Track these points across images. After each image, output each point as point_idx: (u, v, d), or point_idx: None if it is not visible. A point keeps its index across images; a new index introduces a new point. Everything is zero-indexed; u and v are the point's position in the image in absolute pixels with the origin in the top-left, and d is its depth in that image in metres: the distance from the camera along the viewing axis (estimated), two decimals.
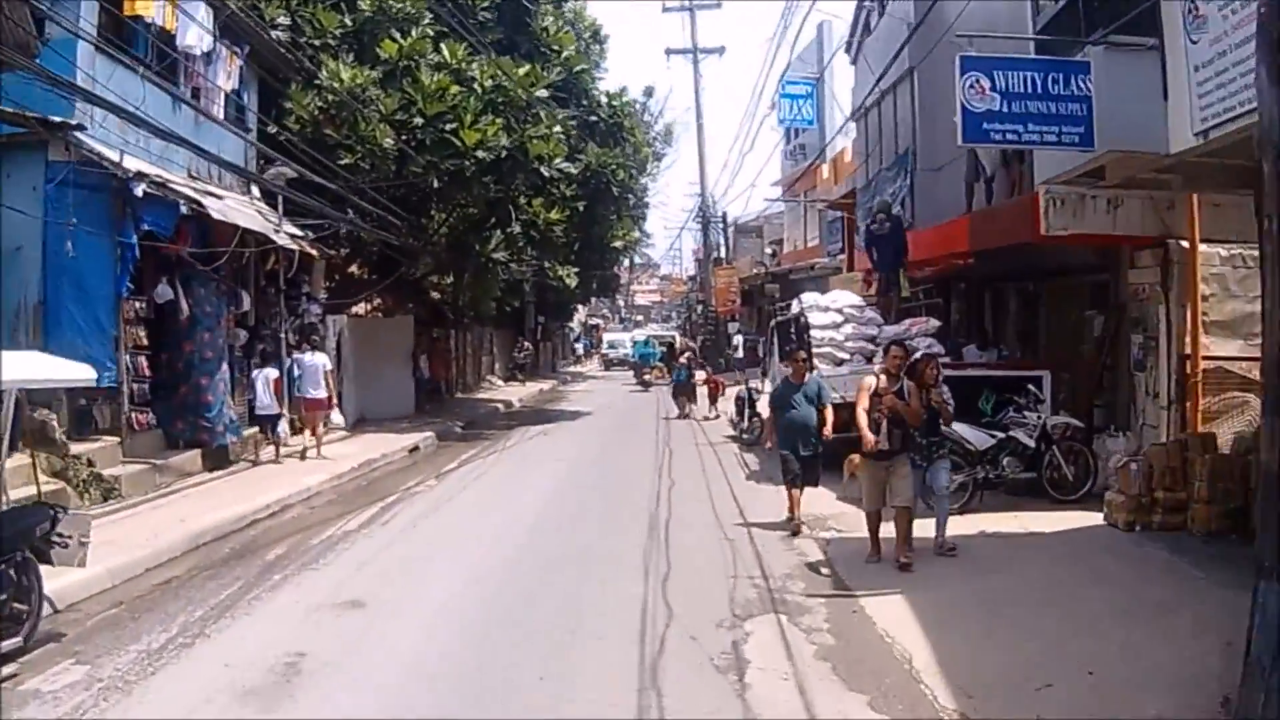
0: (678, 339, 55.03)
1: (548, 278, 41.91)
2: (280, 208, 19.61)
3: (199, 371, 16.10)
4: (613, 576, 9.93)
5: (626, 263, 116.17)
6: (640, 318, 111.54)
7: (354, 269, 26.35)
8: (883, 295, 17.37)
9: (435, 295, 35.38)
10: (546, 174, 22.64)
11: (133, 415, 14.77)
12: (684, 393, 29.23)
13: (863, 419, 9.99)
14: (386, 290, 27.62)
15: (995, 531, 11.57)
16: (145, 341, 15.11)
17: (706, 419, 26.90)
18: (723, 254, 52.01)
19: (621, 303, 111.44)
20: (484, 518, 13.23)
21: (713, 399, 28.85)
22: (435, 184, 21.90)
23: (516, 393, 37.40)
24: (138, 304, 14.96)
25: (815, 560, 10.54)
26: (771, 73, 55.66)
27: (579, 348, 73.32)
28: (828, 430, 11.96)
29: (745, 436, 21.10)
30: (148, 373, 15.10)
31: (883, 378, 10.16)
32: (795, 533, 11.72)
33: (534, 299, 47.31)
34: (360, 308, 25.51)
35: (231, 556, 11.26)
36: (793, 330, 16.88)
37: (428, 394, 28.30)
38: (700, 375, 30.63)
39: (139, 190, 14.07)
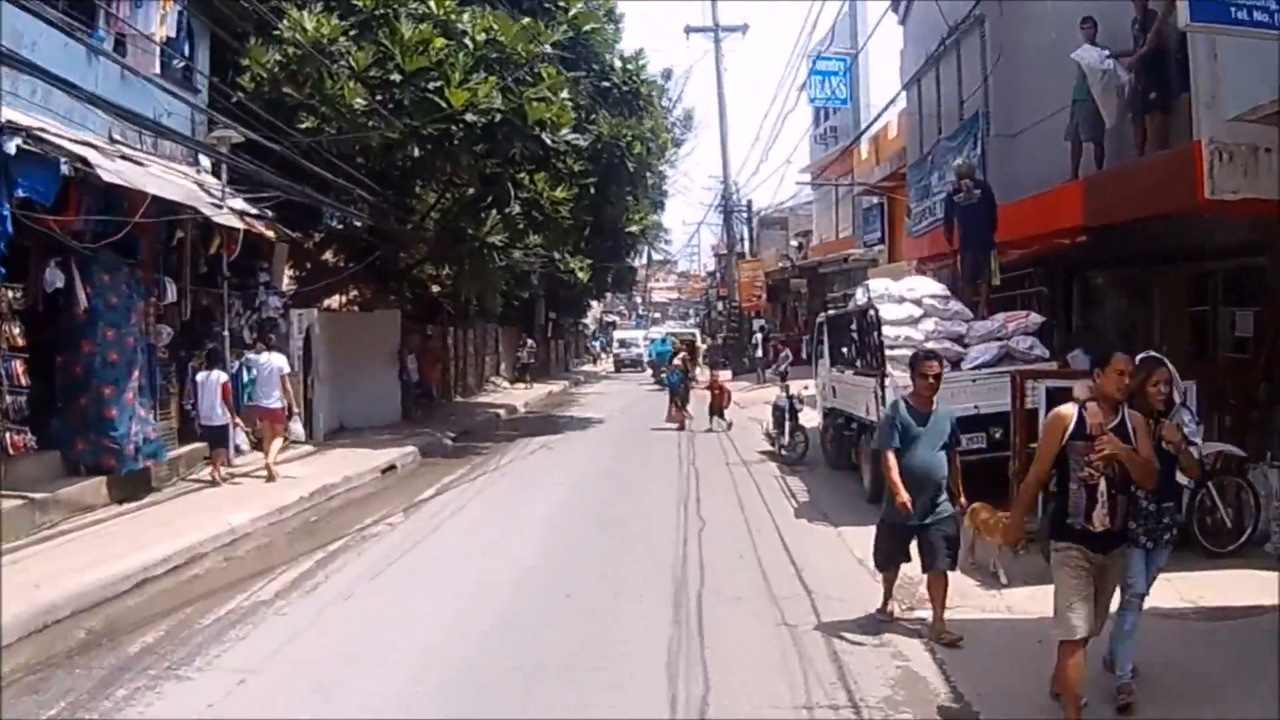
0: (698, 336, 51.59)
1: (557, 269, 38.61)
2: (224, 177, 16.29)
3: (100, 378, 12.71)
4: (618, 707, 6.48)
5: (643, 257, 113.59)
6: (658, 315, 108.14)
7: (329, 256, 22.95)
8: (967, 283, 13.74)
9: (434, 288, 32.32)
10: (550, 142, 19.23)
11: (5, 436, 11.40)
12: (677, 400, 24.49)
13: (1039, 475, 6.26)
14: (371, 281, 24.28)
15: (1153, 609, 7.97)
16: (22, 341, 11.74)
17: (711, 431, 23.15)
18: (746, 246, 48.45)
19: (639, 299, 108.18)
20: (445, 586, 9.68)
21: (716, 409, 24.03)
22: (416, 153, 18.52)
23: (522, 396, 33.99)
24: (12, 293, 11.60)
25: (928, 676, 7.00)
26: (801, 50, 52.42)
27: (594, 346, 70.05)
28: (961, 493, 8.26)
29: (785, 453, 17.60)
30: (25, 381, 11.72)
31: (1091, 406, 5.95)
32: (888, 619, 8.19)
33: (543, 293, 43.98)
34: (335, 300, 22.08)
35: (80, 648, 7.88)
36: (854, 327, 13.45)
37: (418, 399, 24.92)
38: (703, 377, 26.16)
39: (10, 146, 10.68)
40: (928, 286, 12.75)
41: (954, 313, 12.58)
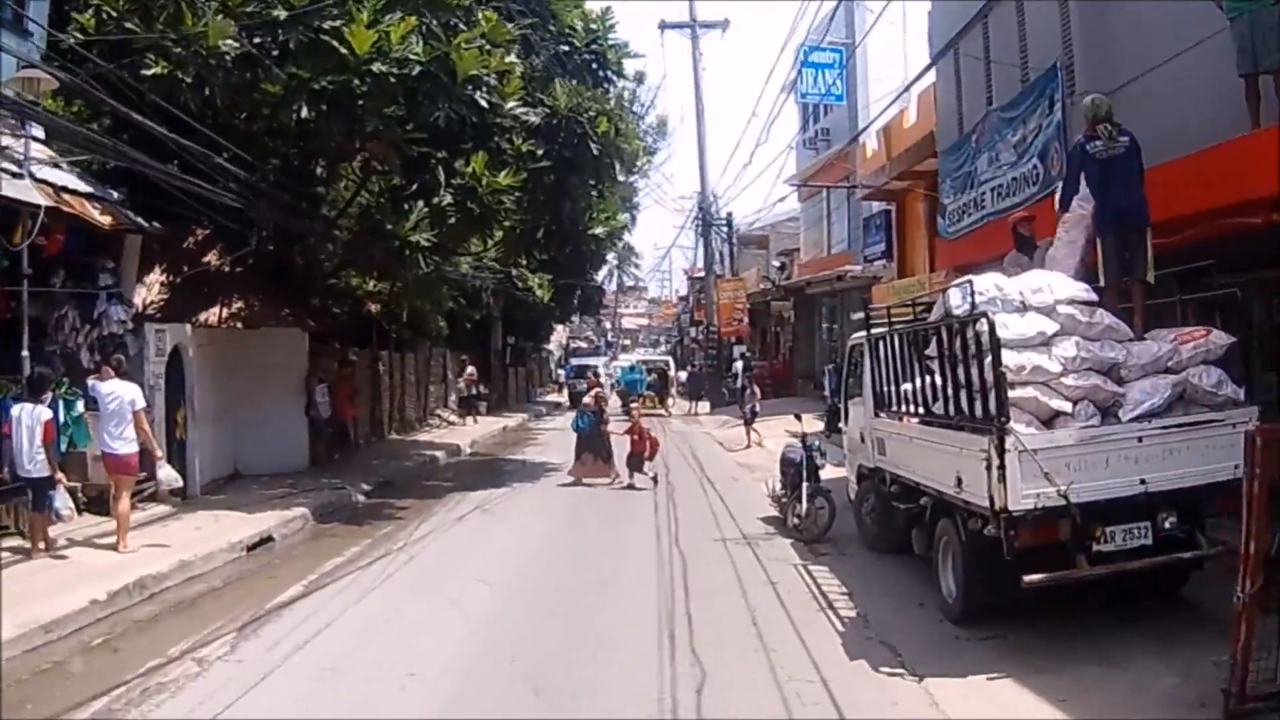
0: (671, 365, 46.91)
1: (515, 286, 33.98)
2: (27, 142, 11.63)
3: None
4: None
5: (610, 275, 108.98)
6: (627, 342, 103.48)
7: (213, 258, 18.10)
8: (1110, 281, 8.85)
9: (372, 306, 27.65)
10: (484, 104, 14.58)
11: None
12: (591, 448, 18.83)
13: None
14: (277, 294, 19.46)
15: None
16: None
17: (633, 487, 18.09)
18: (726, 265, 43.86)
19: (608, 325, 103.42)
20: None
21: (636, 461, 18.40)
22: (304, 113, 13.82)
23: (470, 433, 29.08)
24: None
25: None
26: (787, 47, 48.12)
27: (559, 374, 64.44)
28: None
29: (800, 527, 12.81)
30: None
31: None
32: None
33: (500, 315, 39.25)
34: (211, 314, 17.18)
35: None
36: (932, 352, 8.79)
37: (330, 440, 20.05)
38: (617, 425, 19.81)
39: None
40: (1064, 286, 8.03)
41: (1103, 329, 7.88)
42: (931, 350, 8.76)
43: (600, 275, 49.03)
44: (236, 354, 17.99)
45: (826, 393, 33.49)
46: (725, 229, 41.70)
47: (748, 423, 25.37)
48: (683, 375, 48.91)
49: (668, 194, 65.81)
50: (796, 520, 12.79)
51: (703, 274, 65.40)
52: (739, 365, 37.44)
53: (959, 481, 8.10)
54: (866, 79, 33.28)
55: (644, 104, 47.33)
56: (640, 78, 46.09)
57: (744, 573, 10.86)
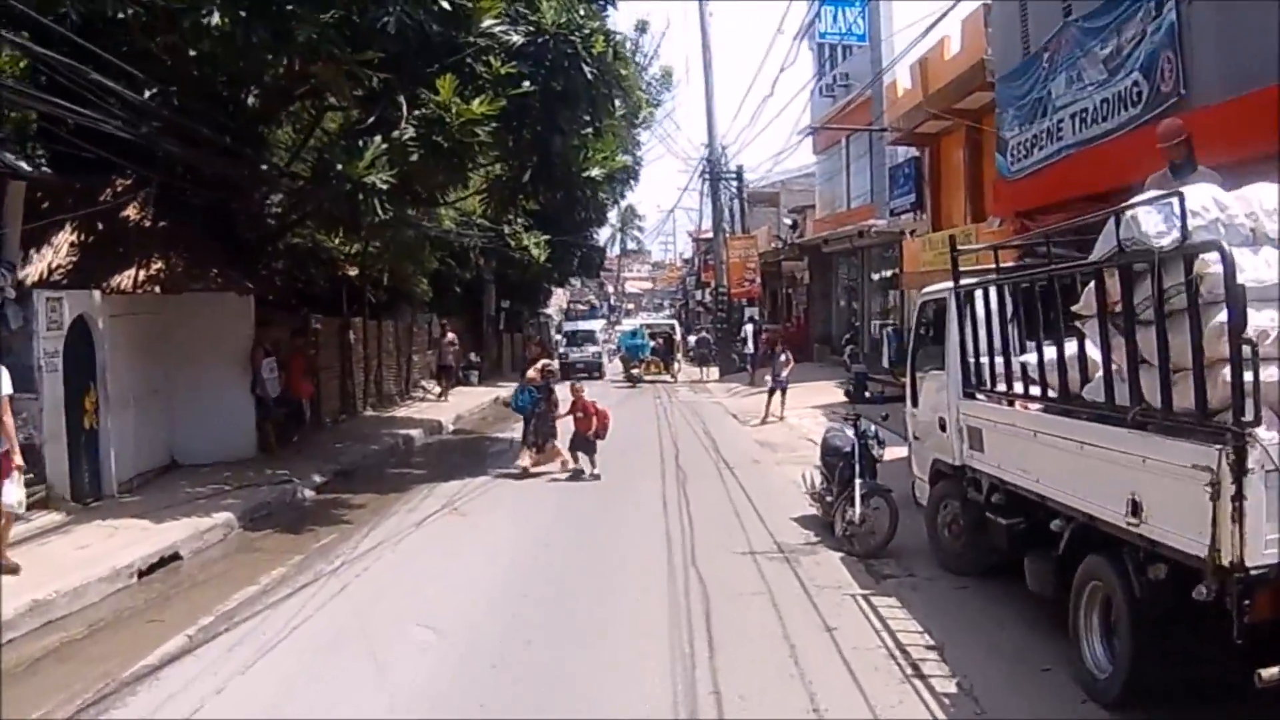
0: (676, 329, 44.04)
1: (507, 246, 31.10)
2: None
3: None
4: None
5: (614, 239, 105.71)
6: (631, 306, 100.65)
7: (131, 212, 15.16)
8: None
9: (350, 270, 24.96)
10: (448, 8, 11.71)
11: None
12: (537, 429, 15.87)
13: None
14: (217, 255, 16.56)
15: None
16: None
17: (557, 479, 15.34)
18: (735, 222, 40.86)
19: (610, 289, 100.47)
20: None
21: (582, 443, 15.46)
22: (216, 20, 10.90)
23: (456, 407, 26.22)
24: None
25: None
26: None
27: (560, 340, 60.67)
28: None
29: (852, 537, 9.95)
30: None
31: None
32: None
33: (493, 277, 36.36)
34: (126, 278, 14.24)
35: None
36: (1090, 307, 5.94)
37: (281, 422, 17.27)
38: (565, 399, 16.19)
39: None
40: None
41: None
42: (1086, 304, 5.89)
43: (602, 236, 46.46)
44: (166, 325, 15.16)
45: (845, 357, 30.79)
46: (735, 183, 38.64)
47: (772, 393, 22.46)
48: (692, 340, 46.10)
49: (675, 142, 63.06)
50: (847, 527, 9.96)
51: (709, 235, 62.41)
52: (748, 328, 34.57)
53: (1134, 508, 5.28)
54: (891, 17, 30.24)
55: (646, 54, 44.71)
56: (643, 26, 43.42)
57: (787, 611, 8.04)
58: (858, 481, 9.89)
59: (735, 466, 15.90)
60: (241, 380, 16.37)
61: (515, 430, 21.05)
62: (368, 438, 19.39)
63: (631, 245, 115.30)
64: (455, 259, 30.38)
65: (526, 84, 14.04)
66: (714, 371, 40.04)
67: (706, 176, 38.33)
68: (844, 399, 24.16)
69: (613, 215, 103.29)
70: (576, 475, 15.11)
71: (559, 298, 58.46)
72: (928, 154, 24.93)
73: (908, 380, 10.38)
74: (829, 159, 37.01)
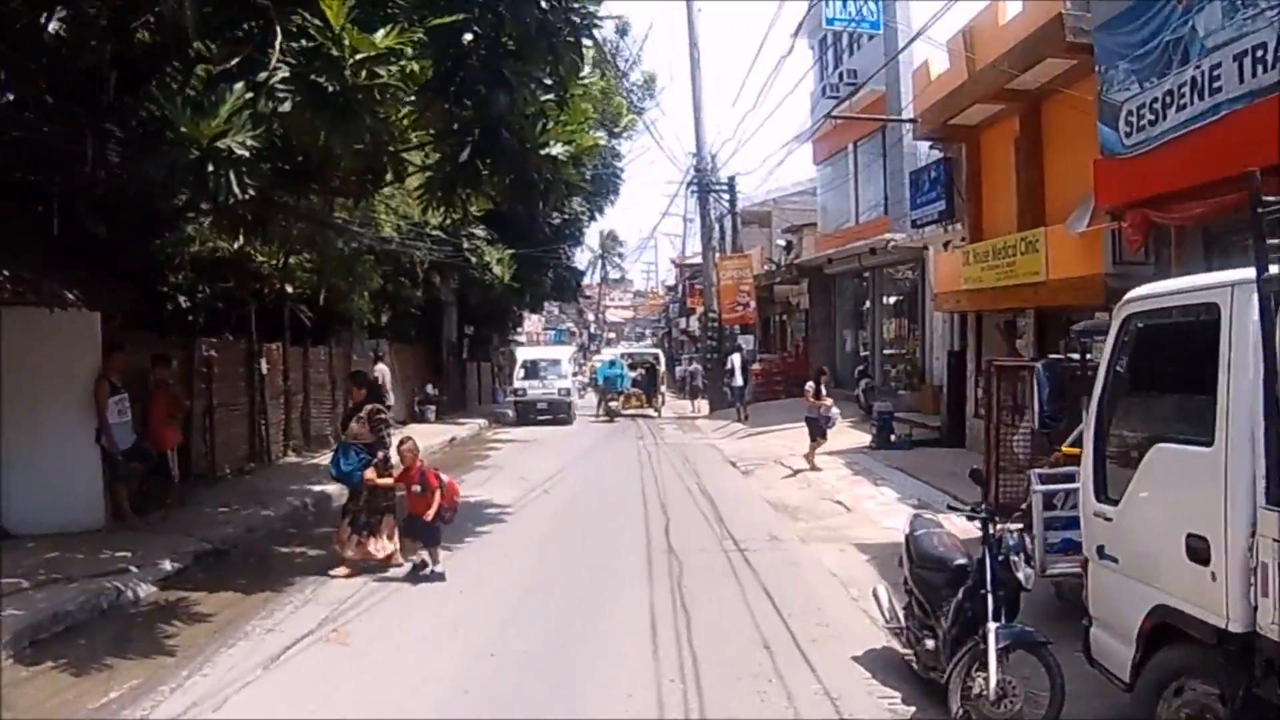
0: (660, 359, 39.84)
1: (467, 263, 27.09)
2: None
3: None
4: None
5: (594, 266, 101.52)
6: (612, 335, 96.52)
7: None
8: None
9: (286, 287, 20.99)
10: None
11: None
12: (369, 506, 11.09)
13: None
14: (57, 263, 12.28)
15: None
16: None
17: (419, 573, 10.58)
18: (726, 240, 36.77)
19: (590, 317, 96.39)
20: None
21: (418, 529, 10.57)
22: None
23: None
24: None
25: None
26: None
27: (518, 373, 54.82)
28: None
29: (977, 713, 5.76)
30: None
31: None
32: None
33: (454, 299, 32.15)
34: None
35: None
36: None
37: (147, 481, 12.98)
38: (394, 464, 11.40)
39: None
40: None
41: None
42: None
43: (581, 260, 42.07)
44: None
45: (859, 392, 26.63)
46: (726, 196, 34.52)
47: (816, 437, 18.74)
48: (680, 370, 41.98)
49: (662, 147, 58.78)
50: (973, 704, 5.75)
51: (694, 260, 58.35)
52: (735, 360, 30.35)
53: None
54: (908, 3, 26.37)
55: (628, 59, 40.78)
56: (624, 29, 39.48)
57: None
58: (993, 629, 5.69)
59: (749, 547, 11.69)
60: (86, 425, 12.12)
61: (464, 484, 16.94)
62: (269, 497, 15.06)
63: (614, 274, 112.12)
64: (409, 277, 26.28)
65: (459, 15, 9.97)
66: (704, 405, 35.97)
67: (694, 189, 34.20)
68: (867, 444, 20.14)
69: (593, 239, 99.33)
70: (416, 571, 10.58)
71: (534, 324, 54.20)
72: (964, 152, 20.89)
73: (1087, 453, 6.02)
74: (832, 169, 33.01)
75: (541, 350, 37.46)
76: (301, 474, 17.84)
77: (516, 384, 32.71)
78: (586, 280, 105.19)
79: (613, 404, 33.18)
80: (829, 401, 18.96)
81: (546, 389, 31.75)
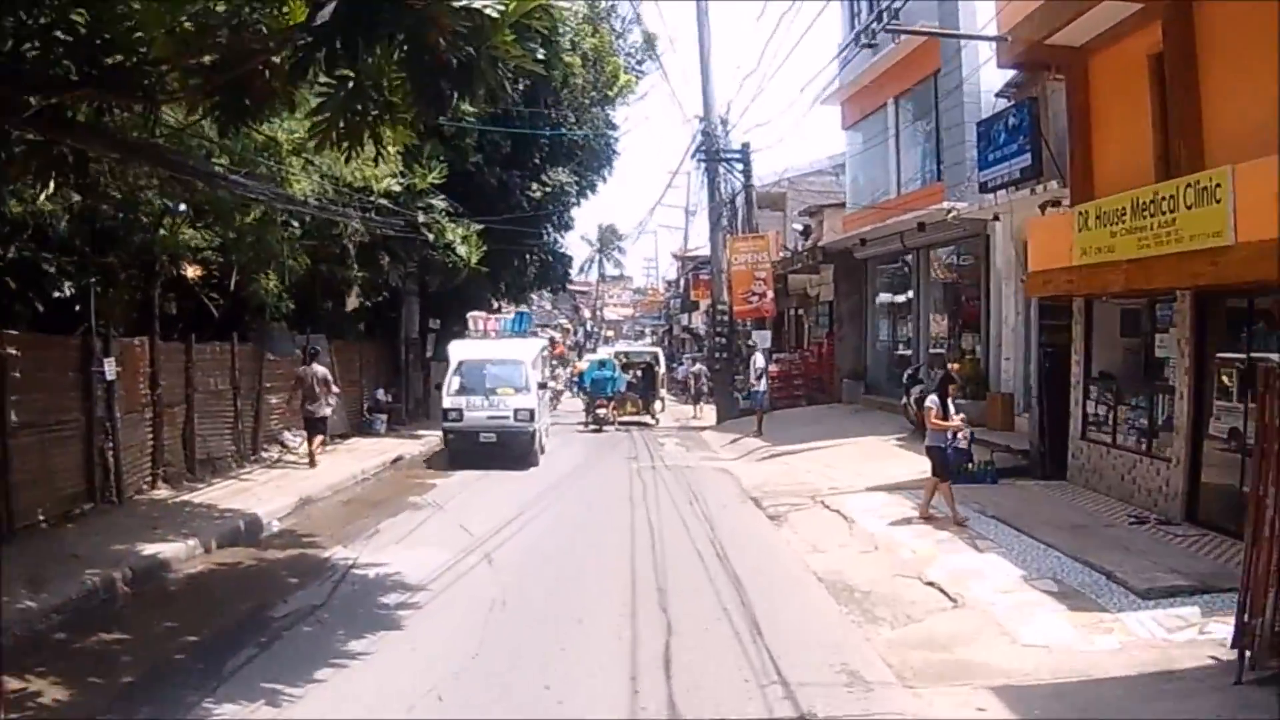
0: (659, 358, 34.61)
1: (424, 240, 22.08)
2: None
3: None
4: None
5: (591, 263, 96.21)
6: (610, 334, 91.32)
7: None
8: None
9: (193, 271, 16.34)
10: None
11: None
12: None
13: None
14: None
15: None
16: None
17: None
18: (738, 220, 31.48)
19: (588, 314, 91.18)
20: None
21: None
22: None
23: (319, 479, 16.58)
24: None
25: None
26: None
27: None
28: None
29: None
30: None
31: None
32: None
33: (416, 288, 26.96)
34: None
35: None
36: None
37: None
38: None
39: None
40: None
41: None
42: None
43: (576, 253, 36.29)
44: None
45: (908, 402, 21.33)
46: (739, 167, 29.16)
47: (943, 472, 12.85)
48: (682, 371, 36.79)
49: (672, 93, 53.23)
50: None
51: (697, 253, 52.98)
52: (758, 360, 25.10)
53: None
54: None
55: (625, 19, 35.60)
56: None
57: None
58: None
59: (819, 711, 6.47)
60: None
61: (379, 533, 11.86)
62: (65, 568, 9.82)
63: (613, 269, 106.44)
64: (363, 261, 21.19)
65: None
66: (709, 411, 30.82)
67: (702, 159, 28.89)
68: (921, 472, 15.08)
69: (589, 226, 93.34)
70: None
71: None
72: (1065, 85, 15.70)
73: None
74: (864, 135, 27.83)
75: (489, 347, 22.92)
76: (156, 520, 12.63)
77: (448, 401, 20.41)
78: (583, 275, 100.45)
79: (601, 411, 27.95)
80: (959, 421, 13.41)
81: (495, 411, 19.95)
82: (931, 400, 12.82)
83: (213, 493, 14.86)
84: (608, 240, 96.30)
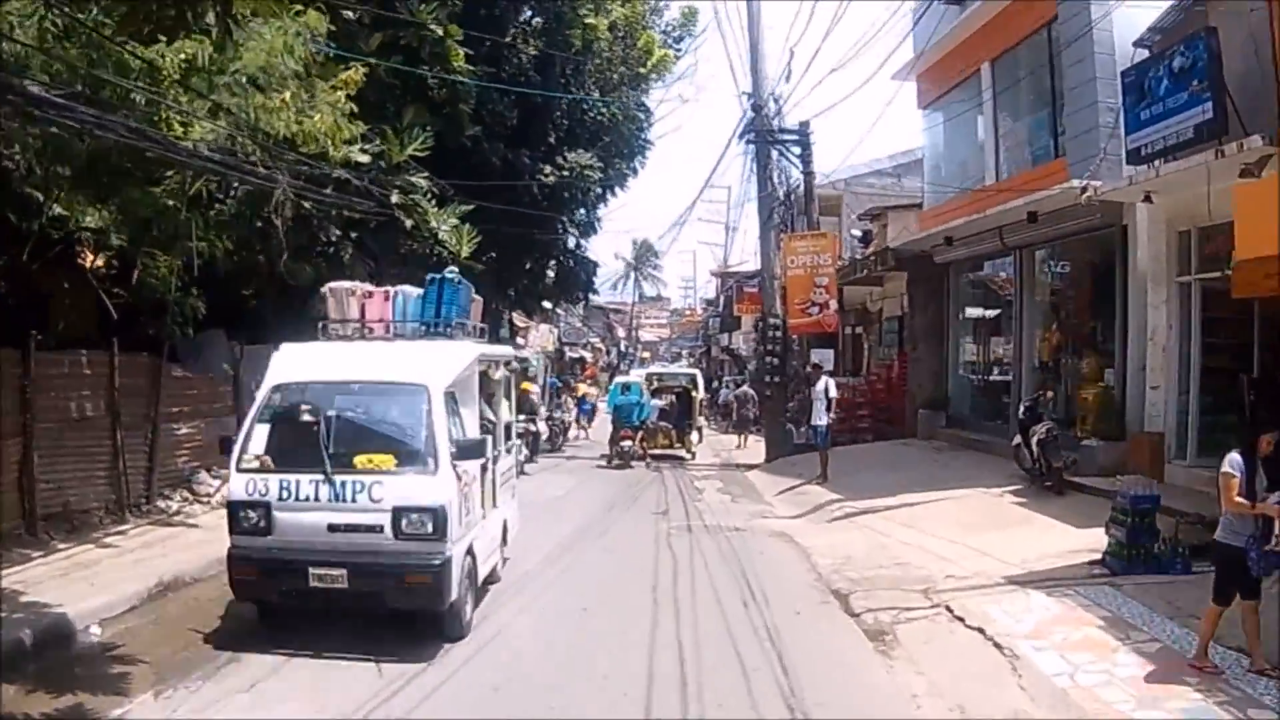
0: (698, 381, 29.65)
1: (394, 223, 17.60)
2: None
3: None
4: None
5: (627, 277, 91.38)
6: (646, 354, 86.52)
7: None
8: None
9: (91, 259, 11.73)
10: None
11: None
12: None
13: None
14: None
15: None
16: None
17: None
18: (793, 217, 26.43)
19: (621, 333, 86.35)
20: None
21: None
22: None
23: (205, 553, 11.44)
24: None
25: None
26: None
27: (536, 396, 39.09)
28: None
29: None
30: None
31: None
32: None
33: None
34: None
35: None
36: None
37: None
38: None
39: None
40: None
41: None
42: None
43: (597, 250, 30.75)
44: None
45: (1033, 444, 16.18)
46: (797, 150, 24.06)
47: (1241, 592, 7.35)
48: (729, 394, 31.92)
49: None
50: None
51: (739, 268, 47.89)
52: (825, 385, 19.82)
53: None
54: None
55: None
56: None
57: None
58: None
59: None
60: None
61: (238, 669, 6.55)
62: None
63: (650, 291, 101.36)
64: (311, 250, 16.69)
65: None
66: (753, 443, 25.92)
67: (750, 139, 23.87)
68: (1087, 556, 10.14)
69: (620, 238, 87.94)
70: None
71: (541, 336, 43.99)
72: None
73: None
74: (946, 113, 22.92)
75: (352, 358, 9.77)
76: None
77: (237, 485, 8.72)
78: (617, 293, 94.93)
79: (626, 444, 23.07)
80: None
81: (344, 516, 8.50)
82: (1232, 465, 7.39)
83: (37, 569, 10.09)
84: (643, 257, 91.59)
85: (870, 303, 30.81)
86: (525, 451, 21.88)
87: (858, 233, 33.73)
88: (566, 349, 58.28)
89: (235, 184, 13.40)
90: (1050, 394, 16.97)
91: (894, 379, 25.58)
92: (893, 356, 26.63)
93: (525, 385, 36.30)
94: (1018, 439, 15.82)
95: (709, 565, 11.49)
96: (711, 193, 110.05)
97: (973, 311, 23.08)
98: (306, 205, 14.38)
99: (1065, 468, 14.74)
